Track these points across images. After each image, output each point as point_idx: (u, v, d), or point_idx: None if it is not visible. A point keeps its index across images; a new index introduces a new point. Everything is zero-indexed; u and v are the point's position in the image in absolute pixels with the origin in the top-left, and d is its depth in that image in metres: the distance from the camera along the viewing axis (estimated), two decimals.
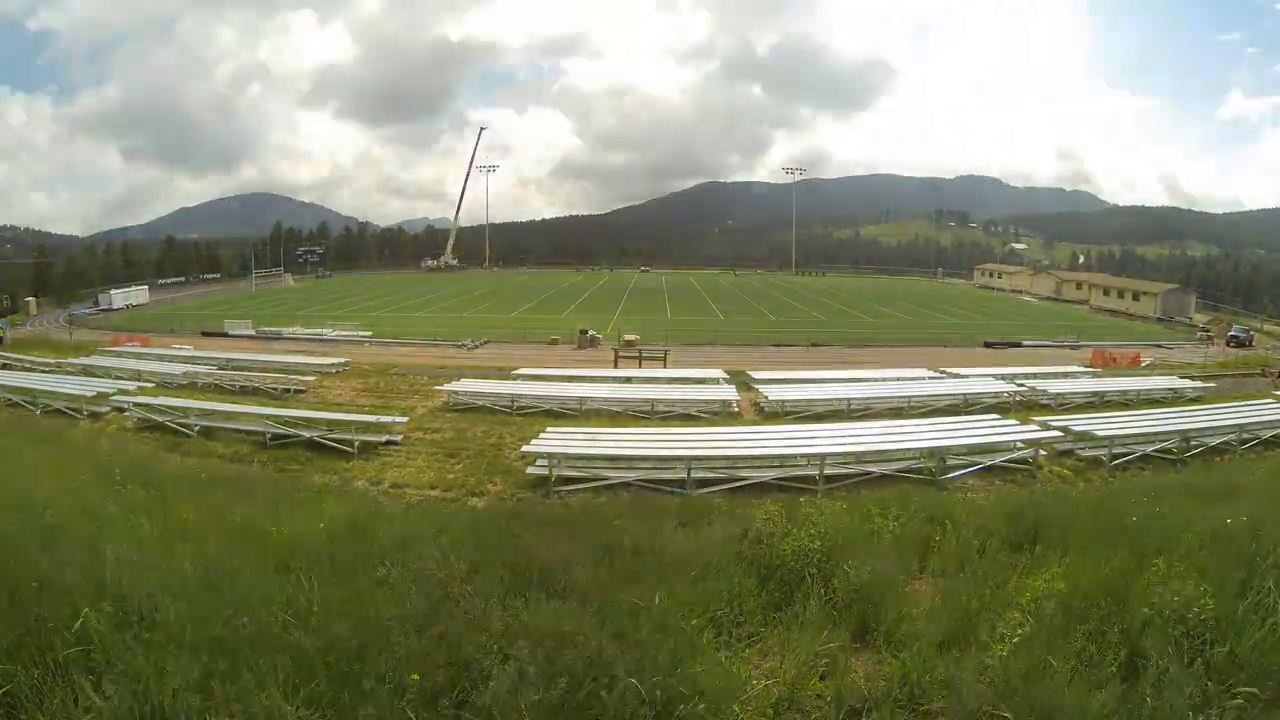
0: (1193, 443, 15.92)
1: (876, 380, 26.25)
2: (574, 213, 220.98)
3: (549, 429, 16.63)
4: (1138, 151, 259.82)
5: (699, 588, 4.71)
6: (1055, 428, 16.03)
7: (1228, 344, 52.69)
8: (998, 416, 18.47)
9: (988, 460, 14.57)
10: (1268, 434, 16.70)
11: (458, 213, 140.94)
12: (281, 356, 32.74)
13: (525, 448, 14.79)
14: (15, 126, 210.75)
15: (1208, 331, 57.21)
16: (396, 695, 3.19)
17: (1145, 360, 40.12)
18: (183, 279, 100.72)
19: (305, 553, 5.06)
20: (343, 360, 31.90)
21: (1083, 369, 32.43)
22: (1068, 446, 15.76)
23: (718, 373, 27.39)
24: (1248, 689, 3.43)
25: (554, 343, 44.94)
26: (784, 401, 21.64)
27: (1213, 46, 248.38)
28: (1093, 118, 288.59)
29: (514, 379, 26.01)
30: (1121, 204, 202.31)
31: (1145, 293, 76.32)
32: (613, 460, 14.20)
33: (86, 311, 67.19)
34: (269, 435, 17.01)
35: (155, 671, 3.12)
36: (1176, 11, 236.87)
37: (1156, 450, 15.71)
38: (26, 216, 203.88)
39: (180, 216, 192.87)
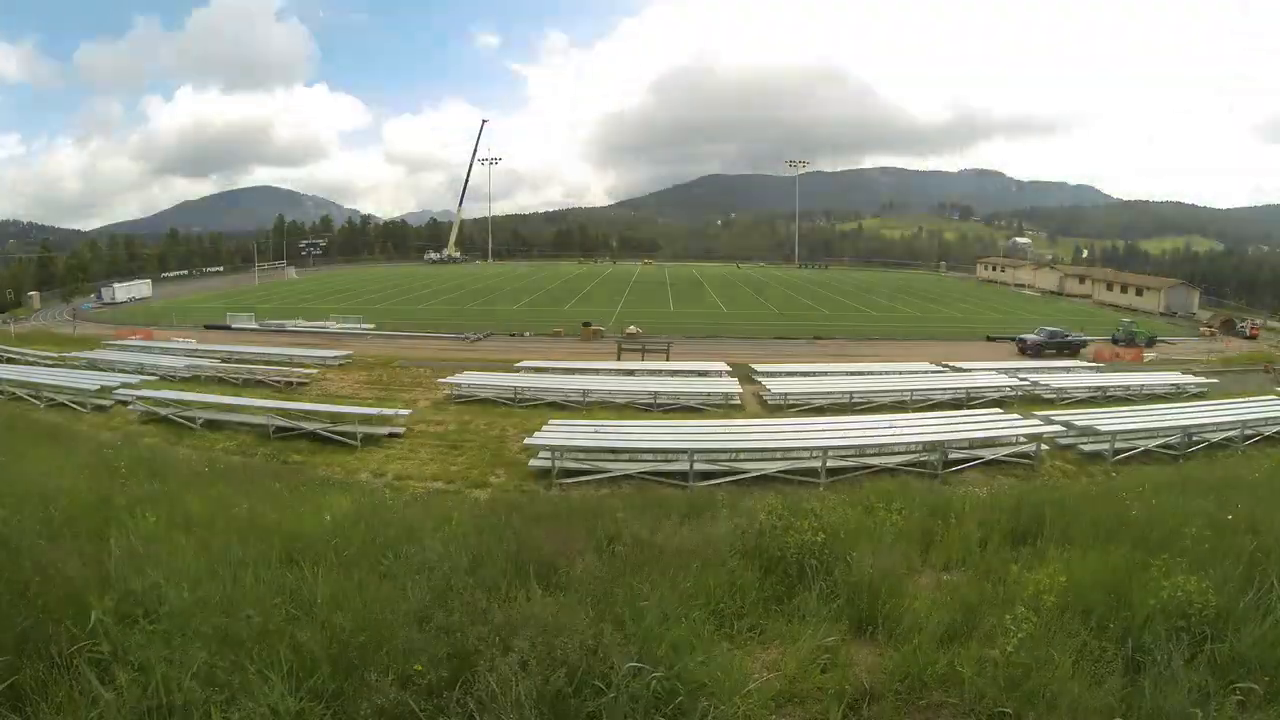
0: (1195, 438, 15.90)
1: (879, 374, 26.27)
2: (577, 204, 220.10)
3: (552, 421, 16.66)
4: (1140, 147, 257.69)
5: (701, 580, 4.70)
6: (1057, 422, 16.04)
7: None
8: (1000, 411, 18.47)
9: (990, 454, 14.59)
10: (1270, 430, 16.68)
11: (460, 205, 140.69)
12: (284, 349, 32.80)
13: (528, 440, 14.83)
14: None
15: (1210, 327, 56.97)
16: (399, 686, 3.20)
17: (1147, 355, 40.03)
18: (186, 272, 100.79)
19: (309, 545, 5.07)
20: (346, 353, 31.94)
21: (1085, 364, 32.37)
22: (1070, 441, 15.76)
23: (720, 366, 27.40)
24: (1249, 684, 3.43)
25: (557, 335, 44.95)
26: (787, 394, 21.66)
27: (1218, 44, 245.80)
28: (1095, 113, 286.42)
29: (517, 371, 26.05)
30: (1125, 198, 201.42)
31: (1149, 288, 75.92)
32: (615, 453, 14.25)
33: (89, 305, 67.27)
34: (272, 428, 17.08)
35: (161, 663, 3.13)
36: (1182, 7, 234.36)
37: (1159, 445, 15.71)
38: (30, 210, 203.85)
39: (182, 210, 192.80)
